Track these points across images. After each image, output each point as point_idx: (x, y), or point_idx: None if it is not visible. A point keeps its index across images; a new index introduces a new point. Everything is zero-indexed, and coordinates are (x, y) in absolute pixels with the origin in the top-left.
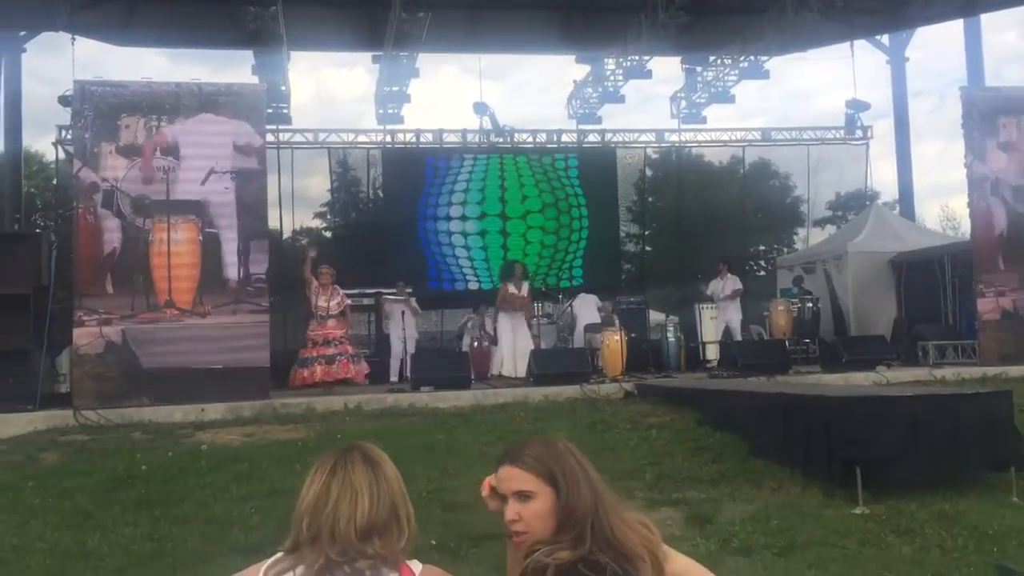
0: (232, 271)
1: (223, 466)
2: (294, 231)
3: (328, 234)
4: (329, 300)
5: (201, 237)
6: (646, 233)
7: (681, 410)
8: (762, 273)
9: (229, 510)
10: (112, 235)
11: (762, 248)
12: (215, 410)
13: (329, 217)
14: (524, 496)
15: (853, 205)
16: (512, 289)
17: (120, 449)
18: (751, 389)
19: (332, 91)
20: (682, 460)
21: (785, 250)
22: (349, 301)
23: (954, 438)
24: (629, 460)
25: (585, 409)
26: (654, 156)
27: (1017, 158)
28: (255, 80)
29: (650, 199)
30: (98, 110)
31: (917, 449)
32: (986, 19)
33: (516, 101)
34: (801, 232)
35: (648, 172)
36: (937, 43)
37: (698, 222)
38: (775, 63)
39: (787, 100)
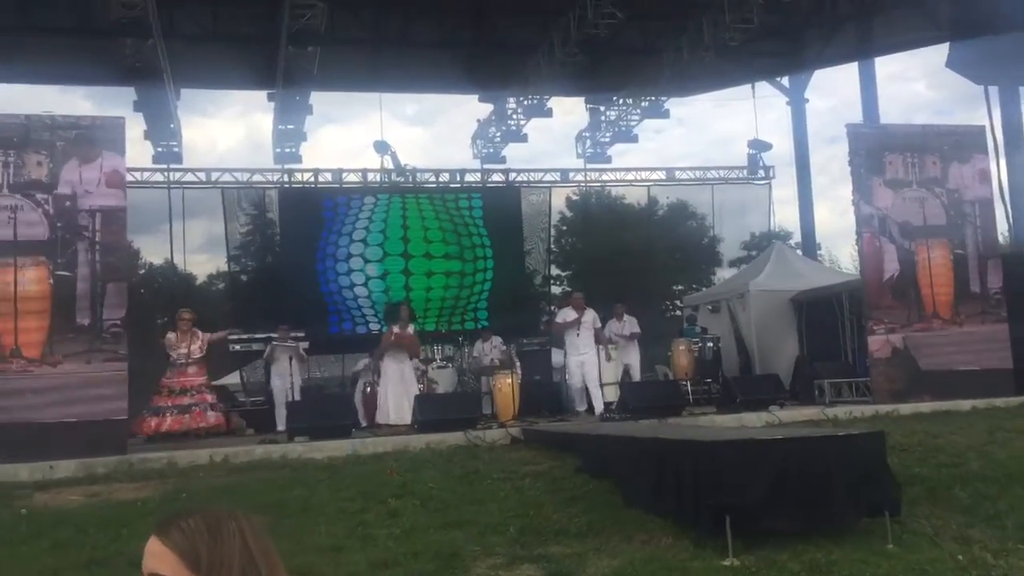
0: (86, 317)
1: (44, 532)
2: (188, 273)
3: (224, 276)
4: (190, 345)
5: (52, 280)
6: (555, 274)
7: (562, 456)
8: (678, 313)
9: None
10: None
11: (679, 288)
12: (65, 467)
13: (226, 259)
14: None
15: (767, 245)
16: (397, 332)
17: None
18: (628, 433)
19: (260, 130)
20: (552, 511)
21: (704, 290)
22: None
23: (826, 482)
24: (495, 513)
25: (463, 458)
26: (574, 198)
27: (902, 195)
28: (139, 116)
29: (571, 239)
30: None
31: (788, 495)
32: (897, 68)
33: (422, 141)
34: (719, 272)
35: (568, 213)
36: (852, 91)
37: (614, 262)
38: (681, 103)
39: (693, 140)
